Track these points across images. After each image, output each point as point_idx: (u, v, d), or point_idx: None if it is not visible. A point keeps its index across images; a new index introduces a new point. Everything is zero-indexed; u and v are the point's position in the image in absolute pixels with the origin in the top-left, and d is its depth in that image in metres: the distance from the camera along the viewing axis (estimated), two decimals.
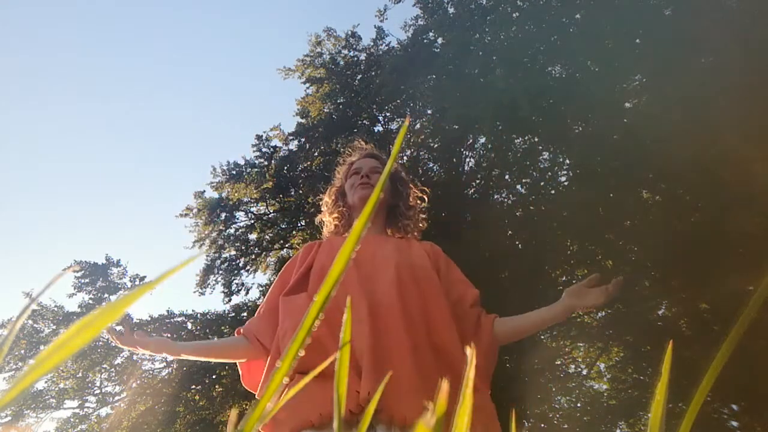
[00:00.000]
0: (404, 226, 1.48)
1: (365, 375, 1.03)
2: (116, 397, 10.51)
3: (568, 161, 8.10)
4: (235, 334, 1.33)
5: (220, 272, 10.32)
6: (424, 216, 1.56)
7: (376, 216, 1.47)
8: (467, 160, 9.62)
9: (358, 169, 1.52)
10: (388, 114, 10.55)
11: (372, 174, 1.48)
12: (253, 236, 10.61)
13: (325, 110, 10.53)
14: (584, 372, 9.39)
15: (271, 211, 10.67)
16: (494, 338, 1.32)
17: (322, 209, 1.59)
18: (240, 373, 1.36)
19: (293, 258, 1.47)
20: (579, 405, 8.96)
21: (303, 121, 10.64)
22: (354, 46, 10.89)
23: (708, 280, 5.77)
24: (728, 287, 5.04)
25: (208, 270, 10.25)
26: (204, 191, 10.46)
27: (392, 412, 1.00)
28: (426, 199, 1.58)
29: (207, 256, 10.17)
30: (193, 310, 10.81)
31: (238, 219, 10.61)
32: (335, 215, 1.51)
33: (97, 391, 10.41)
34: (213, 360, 1.34)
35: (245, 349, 1.30)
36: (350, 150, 1.65)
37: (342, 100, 10.54)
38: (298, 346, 0.23)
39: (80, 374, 10.17)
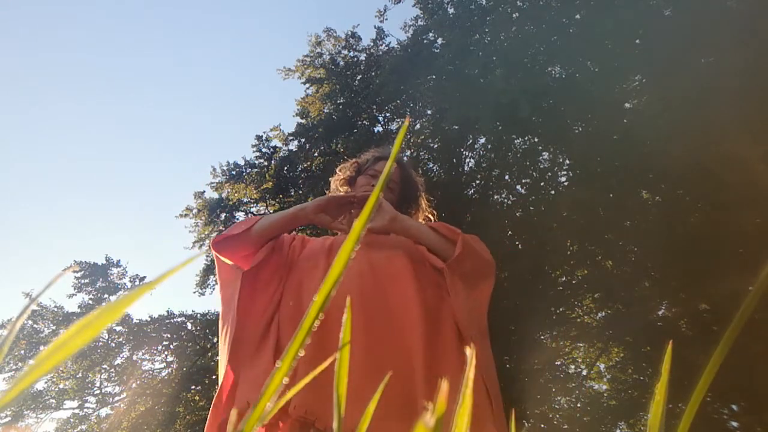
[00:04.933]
0: None
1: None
2: (116, 398, 10.51)
3: (568, 161, 8.11)
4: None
5: None
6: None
7: None
8: (467, 160, 9.62)
9: (377, 173, 1.46)
10: (388, 114, 10.56)
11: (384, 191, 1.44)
12: None
13: (325, 110, 10.54)
14: (584, 372, 9.39)
15: (271, 211, 10.68)
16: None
17: (337, 172, 1.55)
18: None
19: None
20: (579, 405, 8.95)
21: (303, 121, 10.65)
22: (354, 47, 10.90)
23: (708, 281, 5.77)
24: (728, 287, 5.04)
25: (208, 270, 10.26)
26: (204, 191, 10.48)
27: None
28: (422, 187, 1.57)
29: (207, 256, 10.16)
30: (193, 311, 10.83)
31: (238, 219, 10.62)
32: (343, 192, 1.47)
33: (97, 392, 10.42)
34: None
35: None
36: (383, 147, 1.61)
37: (342, 101, 10.54)
38: (299, 345, 0.23)
39: (80, 374, 10.17)
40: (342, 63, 10.85)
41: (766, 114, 4.90)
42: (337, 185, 1.51)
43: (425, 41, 9.29)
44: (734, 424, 6.62)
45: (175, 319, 10.53)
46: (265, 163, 10.49)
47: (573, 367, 9.60)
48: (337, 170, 1.56)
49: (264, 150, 10.58)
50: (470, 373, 0.23)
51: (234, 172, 10.41)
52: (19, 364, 9.64)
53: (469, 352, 0.24)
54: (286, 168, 10.29)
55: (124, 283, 10.70)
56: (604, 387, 9.37)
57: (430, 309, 1.10)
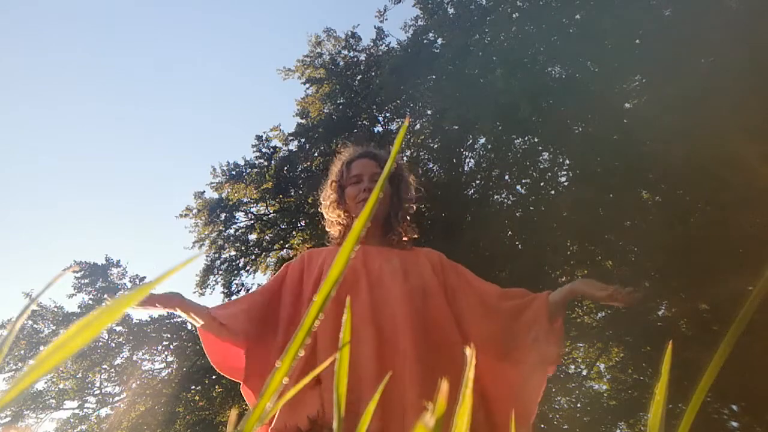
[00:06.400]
0: (401, 232, 1.44)
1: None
2: (116, 398, 10.51)
3: (567, 161, 8.10)
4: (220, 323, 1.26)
5: (220, 272, 10.32)
6: (415, 211, 1.53)
7: (374, 225, 1.43)
8: (467, 160, 9.62)
9: (359, 176, 1.46)
10: (387, 114, 10.56)
11: (373, 184, 1.44)
12: (252, 236, 10.61)
13: (325, 111, 10.54)
14: (584, 372, 9.39)
15: (271, 211, 10.68)
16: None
17: (322, 201, 1.54)
18: (207, 351, 1.31)
19: (293, 263, 1.42)
20: (579, 405, 8.95)
21: (303, 121, 10.65)
22: (354, 47, 10.90)
23: (708, 281, 5.76)
24: (728, 287, 5.03)
25: (208, 270, 10.25)
26: (204, 191, 10.47)
27: None
28: (423, 191, 1.56)
29: (207, 256, 10.17)
30: None
31: (238, 219, 10.62)
32: (341, 220, 1.46)
33: (97, 392, 10.42)
34: (207, 338, 1.29)
35: (235, 343, 1.29)
36: (344, 149, 1.59)
37: (342, 101, 10.54)
38: (299, 345, 0.23)
39: (80, 375, 10.18)
40: (342, 63, 10.85)
41: (766, 114, 4.90)
42: (329, 213, 1.50)
43: (425, 41, 9.29)
44: (734, 424, 6.62)
45: (175, 319, 10.53)
46: (265, 163, 10.49)
47: (573, 367, 9.59)
48: (321, 200, 1.55)
49: (264, 150, 10.58)
50: (470, 373, 0.23)
51: (234, 172, 10.41)
52: (19, 364, 9.64)
53: (469, 352, 0.24)
54: (286, 168, 10.29)
55: (124, 283, 10.71)
56: (604, 387, 9.37)
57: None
